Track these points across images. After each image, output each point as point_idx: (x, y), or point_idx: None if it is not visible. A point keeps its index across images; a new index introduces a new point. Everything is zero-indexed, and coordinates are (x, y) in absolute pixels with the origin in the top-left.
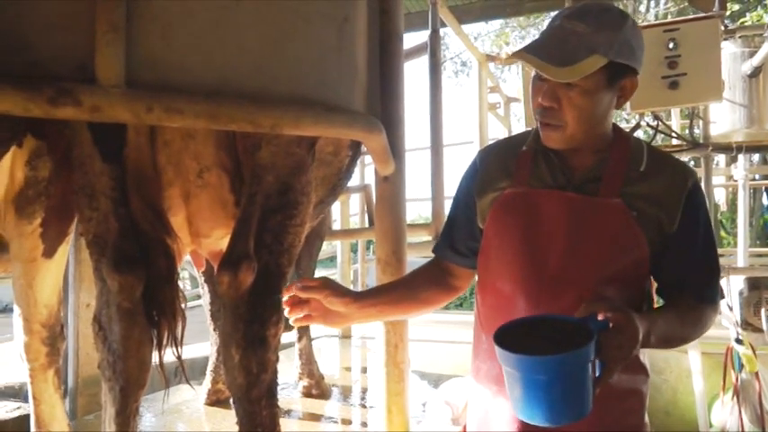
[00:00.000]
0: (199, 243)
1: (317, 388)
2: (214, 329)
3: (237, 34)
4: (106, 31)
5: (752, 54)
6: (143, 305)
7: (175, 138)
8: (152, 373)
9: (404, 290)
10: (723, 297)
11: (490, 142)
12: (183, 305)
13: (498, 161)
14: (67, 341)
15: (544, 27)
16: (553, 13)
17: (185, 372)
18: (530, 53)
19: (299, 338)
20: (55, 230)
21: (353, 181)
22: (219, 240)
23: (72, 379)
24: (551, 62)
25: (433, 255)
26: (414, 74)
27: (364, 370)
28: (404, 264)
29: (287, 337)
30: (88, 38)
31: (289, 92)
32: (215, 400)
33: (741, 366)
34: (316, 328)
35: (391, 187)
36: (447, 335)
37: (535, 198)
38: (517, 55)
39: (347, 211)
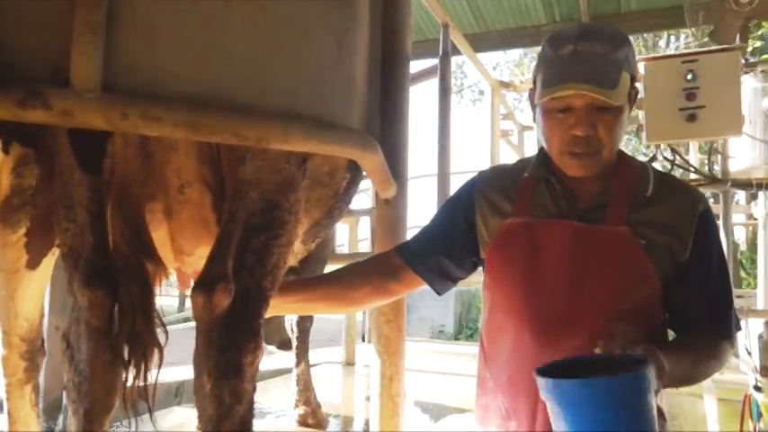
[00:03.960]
0: (182, 261)
1: (313, 417)
2: None
3: (226, 41)
4: (83, 33)
5: None
6: (113, 333)
7: (158, 150)
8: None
9: (333, 287)
10: (740, 329)
11: None
12: (158, 333)
13: (500, 185)
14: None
15: (542, 59)
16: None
17: (152, 403)
18: (573, 81)
19: (297, 364)
20: (40, 241)
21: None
22: (202, 259)
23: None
24: (602, 87)
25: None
26: (425, 99)
27: (369, 399)
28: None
29: (285, 362)
30: (65, 39)
31: (279, 104)
32: None
33: (759, 416)
34: (318, 355)
35: (392, 211)
36: (453, 366)
37: (538, 229)
38: (566, 87)
39: (355, 235)
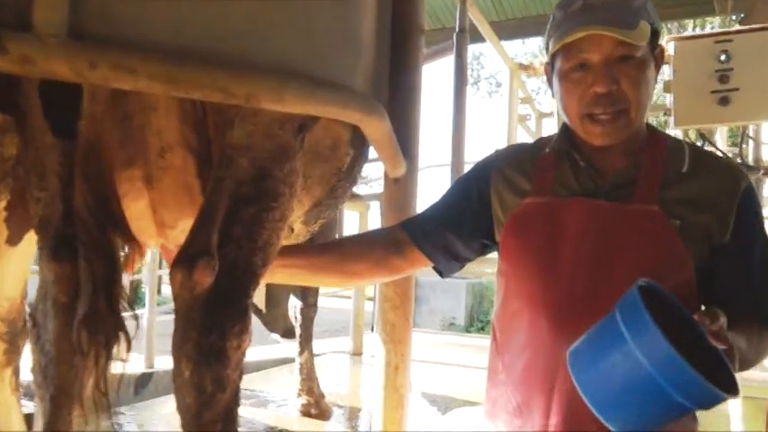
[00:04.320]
0: (165, 235)
1: (317, 407)
2: None
3: None
4: None
5: None
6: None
7: (136, 110)
8: (142, 379)
9: (332, 257)
10: None
11: None
12: (124, 317)
13: (518, 162)
14: None
15: (552, 23)
16: None
17: (112, 397)
18: (584, 26)
19: (300, 352)
20: (21, 216)
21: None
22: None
23: None
24: (620, 27)
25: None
26: (440, 88)
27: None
28: (411, 279)
29: (289, 351)
30: None
31: (272, 59)
32: None
33: None
34: (325, 344)
35: (401, 192)
36: (464, 359)
37: (559, 208)
38: (578, 31)
39: (366, 223)
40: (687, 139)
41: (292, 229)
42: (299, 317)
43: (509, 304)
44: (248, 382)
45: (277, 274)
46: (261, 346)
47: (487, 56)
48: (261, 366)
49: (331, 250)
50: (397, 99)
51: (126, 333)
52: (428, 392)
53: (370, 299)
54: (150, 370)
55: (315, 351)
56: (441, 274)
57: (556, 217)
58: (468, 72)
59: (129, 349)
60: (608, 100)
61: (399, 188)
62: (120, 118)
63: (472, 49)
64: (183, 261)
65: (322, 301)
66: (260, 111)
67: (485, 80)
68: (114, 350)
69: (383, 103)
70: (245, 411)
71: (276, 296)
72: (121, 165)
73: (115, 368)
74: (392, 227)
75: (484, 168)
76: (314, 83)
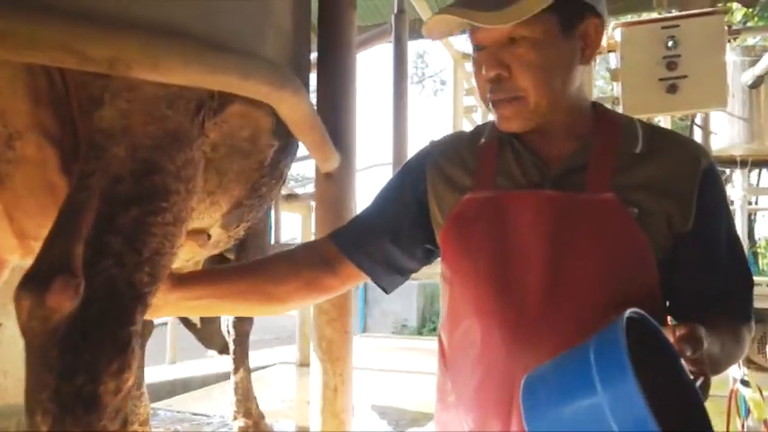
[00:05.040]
0: (29, 247)
1: (255, 429)
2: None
3: None
4: None
5: (752, 63)
6: None
7: None
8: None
9: (251, 280)
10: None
11: None
12: None
13: (455, 154)
14: None
15: None
16: None
17: None
18: (452, 8)
19: (235, 370)
20: None
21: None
22: None
23: None
24: (481, 8)
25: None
26: (378, 88)
27: None
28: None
29: (223, 366)
30: None
31: (146, 15)
32: None
33: (748, 412)
34: (271, 354)
35: (335, 187)
36: (416, 364)
37: (504, 203)
38: (437, 18)
39: (309, 226)
40: None
41: (209, 236)
42: (231, 331)
43: (455, 314)
44: (186, 402)
45: (182, 307)
46: (202, 359)
47: (432, 54)
48: (204, 382)
49: (248, 273)
50: (328, 82)
51: None
52: (378, 404)
53: None
54: None
55: (263, 362)
56: (384, 290)
57: (501, 213)
58: (412, 70)
59: None
60: (498, 86)
61: (333, 184)
62: None
63: (415, 48)
64: (32, 282)
65: None
66: (137, 84)
67: (429, 78)
68: None
69: (303, 81)
70: None
71: None
72: None
73: None
74: (320, 240)
75: (418, 163)
76: (202, 45)
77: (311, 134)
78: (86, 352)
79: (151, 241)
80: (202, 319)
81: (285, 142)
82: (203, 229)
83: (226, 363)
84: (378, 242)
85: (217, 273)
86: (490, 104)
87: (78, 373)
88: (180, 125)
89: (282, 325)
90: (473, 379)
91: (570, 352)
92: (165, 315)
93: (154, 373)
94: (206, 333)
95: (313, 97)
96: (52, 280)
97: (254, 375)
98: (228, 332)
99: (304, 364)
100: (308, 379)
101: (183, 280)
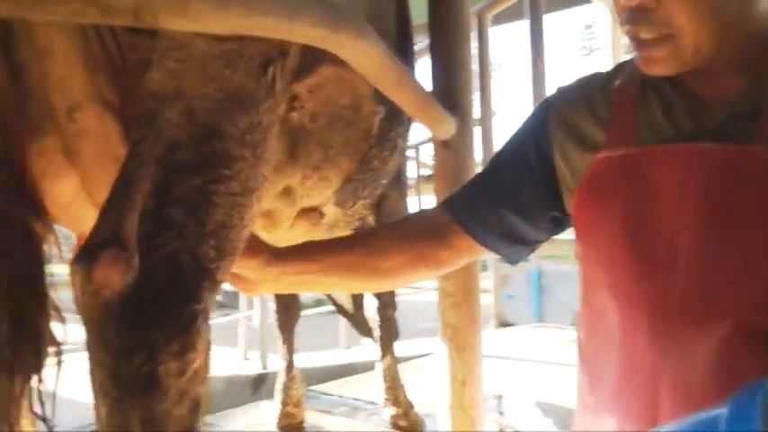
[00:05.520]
0: None
1: (405, 419)
2: (283, 342)
3: None
4: None
5: None
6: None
7: (29, 57)
8: (228, 387)
9: (356, 253)
10: None
11: None
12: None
13: (586, 102)
14: None
15: None
16: None
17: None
18: None
19: (382, 357)
20: None
21: None
22: None
23: None
24: None
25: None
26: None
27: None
28: (474, 268)
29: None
30: None
31: None
32: (286, 425)
33: None
34: (430, 342)
35: (452, 157)
36: None
37: (648, 162)
38: None
39: None
40: None
41: (322, 214)
42: (375, 316)
43: (592, 301)
44: (344, 387)
45: (281, 283)
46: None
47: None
48: (357, 369)
49: (351, 245)
50: (438, 37)
51: (57, 343)
52: (543, 401)
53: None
54: (265, 371)
55: (423, 350)
56: (510, 262)
57: (644, 174)
58: (580, 42)
59: (60, 362)
60: (643, 17)
61: (450, 153)
62: (11, 69)
63: (582, 18)
64: (81, 256)
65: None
66: (185, 42)
67: (598, 51)
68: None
69: (388, 36)
70: (332, 422)
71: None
72: (30, 135)
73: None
74: (432, 209)
75: (540, 117)
76: None
77: (400, 90)
78: (144, 330)
79: (215, 212)
80: (354, 305)
81: (391, 109)
82: (315, 208)
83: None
84: (496, 210)
85: (318, 246)
86: (631, 41)
87: (136, 352)
88: (242, 86)
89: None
90: (610, 379)
91: (696, 419)
92: (264, 292)
93: (323, 358)
94: (359, 319)
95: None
96: (99, 254)
97: (414, 363)
98: (373, 317)
99: None
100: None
101: (282, 254)
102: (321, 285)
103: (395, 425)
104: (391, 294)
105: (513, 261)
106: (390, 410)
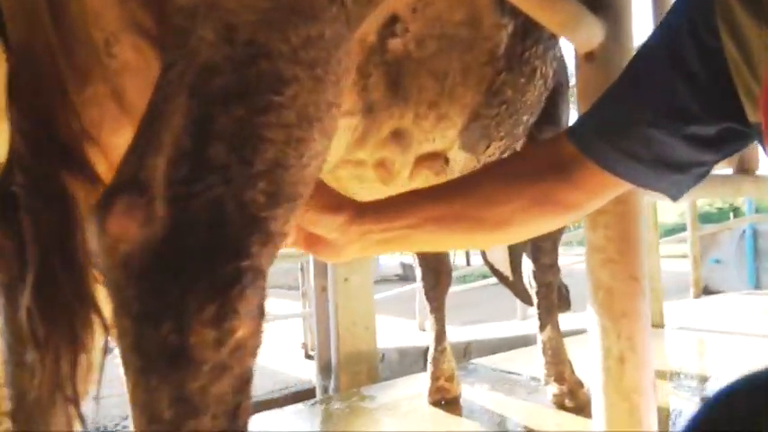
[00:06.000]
0: None
1: (572, 398)
2: (431, 311)
3: None
4: None
5: None
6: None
7: None
8: (401, 358)
9: (454, 201)
10: None
11: None
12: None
13: None
14: (329, 316)
15: None
16: None
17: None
18: None
19: (541, 327)
20: None
21: None
22: None
23: (334, 357)
24: None
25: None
26: None
27: (678, 376)
28: (636, 211)
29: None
30: None
31: None
32: (438, 399)
33: None
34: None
35: (599, 73)
36: None
37: None
38: None
39: None
40: None
41: (447, 160)
42: (533, 283)
43: None
44: (506, 362)
45: (367, 242)
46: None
47: None
48: (531, 342)
49: (450, 192)
50: None
51: (100, 313)
52: None
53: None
54: None
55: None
56: (671, 197)
57: None
58: None
59: (107, 333)
60: None
61: (596, 68)
62: (54, 6)
63: None
64: (96, 205)
65: None
66: None
67: None
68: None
69: None
70: (489, 398)
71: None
72: (79, 83)
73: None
74: (553, 138)
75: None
76: None
77: None
78: (172, 291)
79: (265, 149)
80: (513, 273)
81: (523, 21)
82: (438, 153)
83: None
84: (637, 129)
85: (408, 197)
86: None
87: (162, 318)
88: None
89: None
90: None
91: None
92: (350, 256)
93: (495, 330)
94: (519, 286)
95: None
96: (113, 200)
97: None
98: (530, 284)
99: (657, 324)
100: (663, 342)
101: (367, 209)
102: (415, 243)
103: (559, 404)
104: (551, 255)
105: (672, 196)
106: (553, 388)
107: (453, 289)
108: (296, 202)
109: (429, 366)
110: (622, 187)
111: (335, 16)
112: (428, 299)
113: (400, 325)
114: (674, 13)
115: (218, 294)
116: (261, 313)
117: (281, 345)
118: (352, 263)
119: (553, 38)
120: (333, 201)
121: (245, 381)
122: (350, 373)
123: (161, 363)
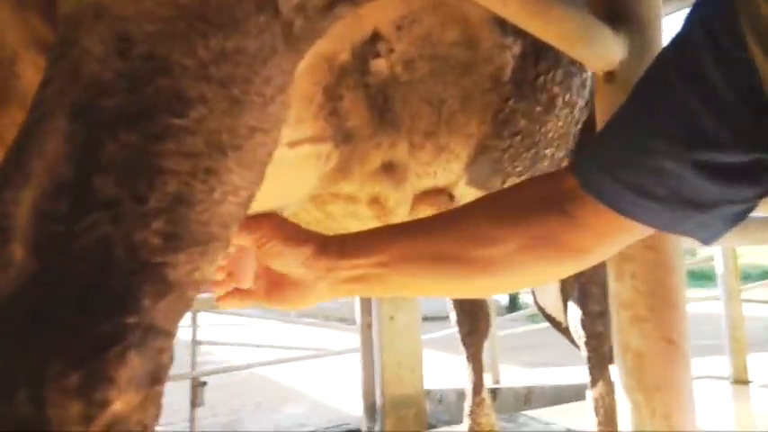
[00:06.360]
0: None
1: None
2: (467, 359)
3: None
4: None
5: None
6: None
7: None
8: (459, 400)
9: (439, 237)
10: None
11: None
12: None
13: None
14: (373, 356)
15: None
16: None
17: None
18: None
19: (592, 383)
20: None
21: None
22: None
23: (379, 398)
24: None
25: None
26: None
27: None
28: (671, 255)
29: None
30: None
31: None
32: None
33: None
34: (694, 364)
35: (621, 93)
36: None
37: None
38: None
39: None
40: None
41: (452, 197)
42: (580, 332)
43: None
44: (559, 414)
45: (336, 286)
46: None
47: None
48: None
49: (436, 227)
50: None
51: None
52: None
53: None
54: (497, 385)
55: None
56: (703, 241)
57: None
58: None
59: None
60: None
61: (618, 91)
62: None
63: None
64: None
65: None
66: None
67: None
68: None
69: None
70: None
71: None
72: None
73: None
74: (559, 170)
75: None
76: None
77: (534, 15)
78: (30, 352)
79: (164, 181)
80: (568, 318)
81: (535, 41)
82: (441, 189)
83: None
84: (647, 162)
85: (383, 231)
86: None
87: (16, 386)
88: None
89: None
90: None
91: None
92: (317, 296)
93: (561, 375)
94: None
95: None
96: None
97: None
98: (577, 333)
99: (740, 381)
100: (747, 402)
101: (335, 244)
102: (391, 286)
103: None
104: (601, 302)
105: (703, 240)
106: None
107: (522, 329)
108: (207, 246)
109: (466, 420)
110: (640, 229)
111: (263, 27)
112: (464, 345)
113: (459, 364)
114: (690, 22)
115: (88, 358)
116: (154, 381)
117: (340, 380)
118: (397, 300)
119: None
120: (297, 233)
121: None
122: (396, 417)
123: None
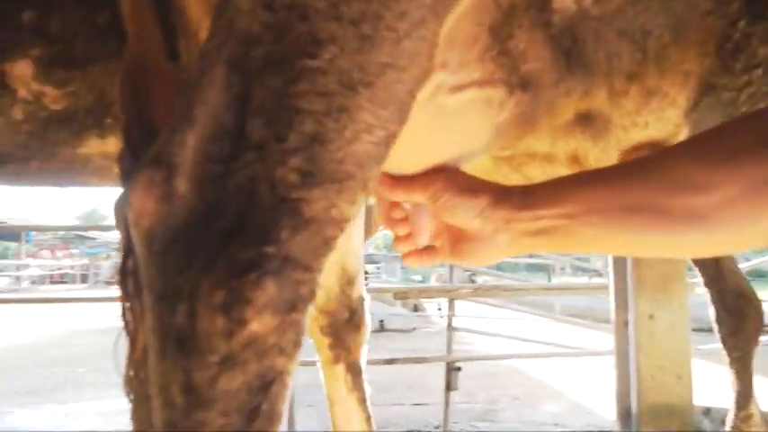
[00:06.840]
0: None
1: None
2: (730, 365)
3: None
4: None
5: None
6: None
7: None
8: (676, 418)
9: (636, 185)
10: None
11: None
12: None
13: None
14: (620, 359)
15: None
16: None
17: None
18: None
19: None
20: None
21: None
22: None
23: (635, 404)
24: None
25: None
26: None
27: None
28: None
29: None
30: None
31: None
32: None
33: None
34: None
35: None
36: None
37: None
38: None
39: None
40: None
41: None
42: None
43: None
44: None
45: (516, 237)
46: None
47: None
48: None
49: (634, 172)
50: None
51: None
52: None
53: None
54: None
55: None
56: None
57: None
58: None
59: None
60: None
61: None
62: None
63: None
64: (127, 178)
65: None
66: None
67: None
68: None
69: None
70: None
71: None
72: None
73: None
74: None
75: None
76: None
77: None
78: (188, 273)
79: (300, 121)
80: None
81: None
82: (657, 142)
83: None
84: None
85: (571, 180)
86: None
87: (177, 299)
88: None
89: None
90: None
91: None
92: (498, 251)
93: None
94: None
95: None
96: (136, 177)
97: None
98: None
99: None
100: None
101: (511, 191)
102: (579, 240)
103: None
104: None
105: None
106: None
107: None
108: (342, 184)
109: None
110: None
111: None
112: (726, 348)
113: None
114: None
115: (231, 280)
116: (291, 309)
117: (598, 379)
118: (658, 297)
119: None
120: (471, 183)
121: (266, 382)
122: (654, 427)
123: (173, 346)
